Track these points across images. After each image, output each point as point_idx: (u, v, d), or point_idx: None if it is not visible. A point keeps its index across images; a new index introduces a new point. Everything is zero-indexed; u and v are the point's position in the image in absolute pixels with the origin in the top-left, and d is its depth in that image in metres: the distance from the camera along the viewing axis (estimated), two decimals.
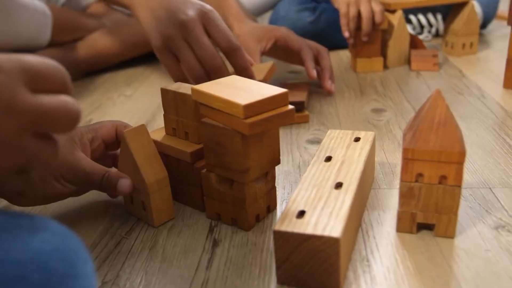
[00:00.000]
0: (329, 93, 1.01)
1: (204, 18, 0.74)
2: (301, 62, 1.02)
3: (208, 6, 0.75)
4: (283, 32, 1.01)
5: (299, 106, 0.87)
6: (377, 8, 1.10)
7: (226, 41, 0.74)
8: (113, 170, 0.58)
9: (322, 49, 1.02)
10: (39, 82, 0.30)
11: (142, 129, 0.58)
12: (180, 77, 0.77)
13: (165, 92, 0.62)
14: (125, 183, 0.56)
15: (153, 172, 0.57)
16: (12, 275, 0.27)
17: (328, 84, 0.99)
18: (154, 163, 0.58)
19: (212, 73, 0.75)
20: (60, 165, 0.55)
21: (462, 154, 0.49)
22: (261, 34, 1.01)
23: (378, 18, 1.10)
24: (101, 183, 0.56)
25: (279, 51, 1.06)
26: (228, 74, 0.74)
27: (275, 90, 0.52)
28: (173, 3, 0.75)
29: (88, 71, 1.28)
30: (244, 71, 0.76)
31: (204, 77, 0.74)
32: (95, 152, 0.61)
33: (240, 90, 0.53)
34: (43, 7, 1.15)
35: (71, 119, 0.31)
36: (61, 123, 0.30)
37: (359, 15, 1.11)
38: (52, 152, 0.31)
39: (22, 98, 0.29)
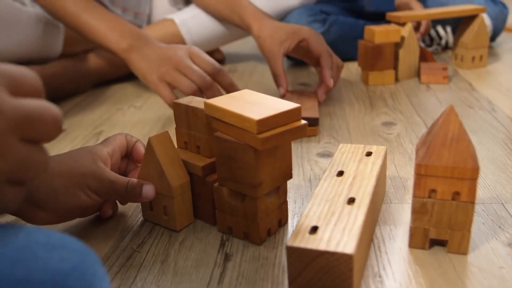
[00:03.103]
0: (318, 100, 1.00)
1: (190, 52, 0.93)
2: (317, 64, 1.02)
3: (192, 46, 0.95)
4: (307, 33, 1.00)
5: (314, 122, 0.87)
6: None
7: (211, 66, 0.92)
8: (133, 179, 0.59)
9: (336, 63, 1.02)
10: (17, 87, 0.30)
11: (165, 135, 0.60)
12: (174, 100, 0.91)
13: (177, 106, 0.62)
14: (149, 188, 0.58)
15: (177, 176, 0.59)
16: None
17: (323, 96, 0.99)
18: (177, 167, 0.59)
19: (205, 90, 0.91)
20: (86, 174, 0.56)
21: (475, 170, 0.49)
22: (283, 35, 1.01)
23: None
24: (126, 191, 0.57)
25: (299, 50, 1.06)
26: (218, 90, 0.92)
27: (288, 105, 0.52)
28: (162, 48, 0.95)
29: (99, 82, 1.29)
30: (230, 87, 0.93)
31: (198, 92, 0.90)
32: (114, 166, 0.62)
33: (253, 105, 0.53)
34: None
35: (54, 121, 0.31)
36: (45, 125, 0.30)
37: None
38: (41, 160, 0.31)
39: (5, 99, 0.29)
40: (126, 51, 0.98)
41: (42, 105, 0.30)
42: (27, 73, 0.31)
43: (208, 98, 0.77)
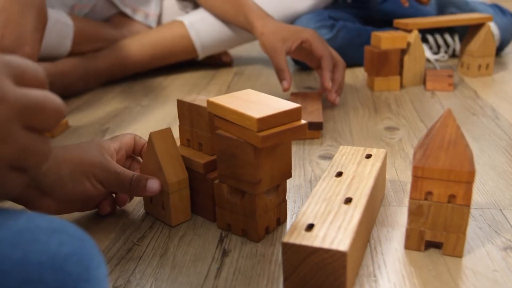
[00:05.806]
0: (332, 104, 1.02)
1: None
2: (318, 67, 1.03)
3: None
4: (310, 34, 1.01)
5: (318, 126, 0.87)
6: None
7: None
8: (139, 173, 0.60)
9: (340, 62, 1.03)
10: (20, 77, 0.31)
11: (167, 132, 0.61)
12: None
13: (181, 104, 0.64)
14: (155, 182, 0.59)
15: (175, 173, 0.60)
16: (31, 276, 0.28)
17: (332, 96, 1.01)
18: (176, 164, 0.60)
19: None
20: (93, 164, 0.57)
21: (471, 173, 0.50)
22: (287, 34, 1.02)
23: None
24: (131, 183, 0.58)
25: (301, 51, 1.07)
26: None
27: (289, 105, 0.53)
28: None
29: (107, 81, 1.31)
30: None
31: None
32: (119, 162, 0.63)
33: (254, 104, 0.54)
34: (65, 17, 1.18)
35: (56, 111, 0.32)
36: (48, 114, 0.31)
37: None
38: (44, 148, 0.32)
39: (9, 88, 0.30)
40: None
41: (45, 95, 0.31)
42: (31, 65, 0.32)
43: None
